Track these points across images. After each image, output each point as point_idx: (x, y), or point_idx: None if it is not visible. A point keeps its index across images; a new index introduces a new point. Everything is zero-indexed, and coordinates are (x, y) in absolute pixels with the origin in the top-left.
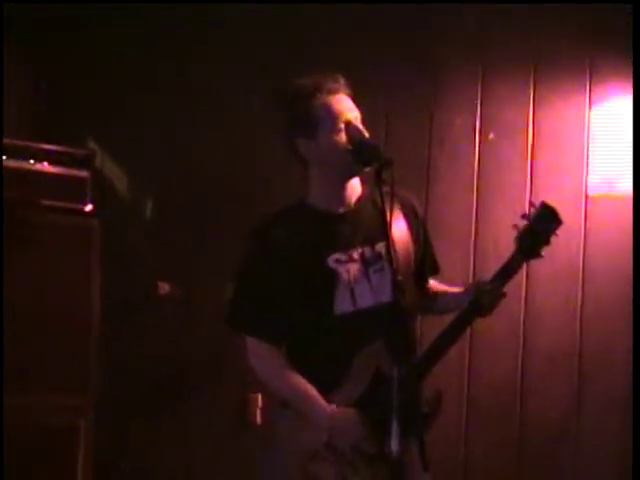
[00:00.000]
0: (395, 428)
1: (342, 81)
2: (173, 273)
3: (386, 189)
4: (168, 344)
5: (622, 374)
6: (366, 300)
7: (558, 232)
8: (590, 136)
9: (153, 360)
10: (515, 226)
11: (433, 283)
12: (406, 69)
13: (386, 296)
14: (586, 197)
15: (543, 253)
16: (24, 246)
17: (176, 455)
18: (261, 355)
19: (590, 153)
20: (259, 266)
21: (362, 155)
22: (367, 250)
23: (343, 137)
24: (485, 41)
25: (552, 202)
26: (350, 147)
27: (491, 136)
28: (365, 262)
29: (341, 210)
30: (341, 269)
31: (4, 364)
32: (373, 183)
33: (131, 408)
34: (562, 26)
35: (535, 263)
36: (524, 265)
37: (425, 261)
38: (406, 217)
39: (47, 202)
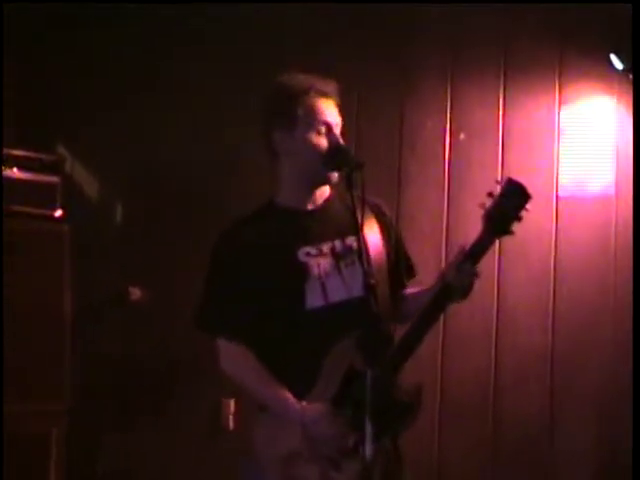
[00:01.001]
0: (370, 431)
1: (334, 87)
2: (144, 278)
3: (356, 193)
4: (141, 350)
5: (595, 371)
6: (338, 294)
7: (530, 230)
8: (560, 136)
9: (126, 366)
10: (482, 205)
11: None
12: (375, 72)
13: (358, 290)
14: (557, 197)
15: (514, 229)
16: None
17: (149, 460)
18: (232, 357)
19: (560, 153)
20: (227, 267)
21: (333, 160)
22: (337, 244)
23: (320, 140)
24: (454, 42)
25: None
26: (323, 151)
27: (462, 136)
28: (336, 256)
29: (310, 207)
30: (312, 262)
31: None
32: (344, 187)
33: (103, 415)
34: (531, 27)
35: (507, 263)
36: (494, 244)
37: (400, 264)
38: (377, 219)
39: (17, 208)
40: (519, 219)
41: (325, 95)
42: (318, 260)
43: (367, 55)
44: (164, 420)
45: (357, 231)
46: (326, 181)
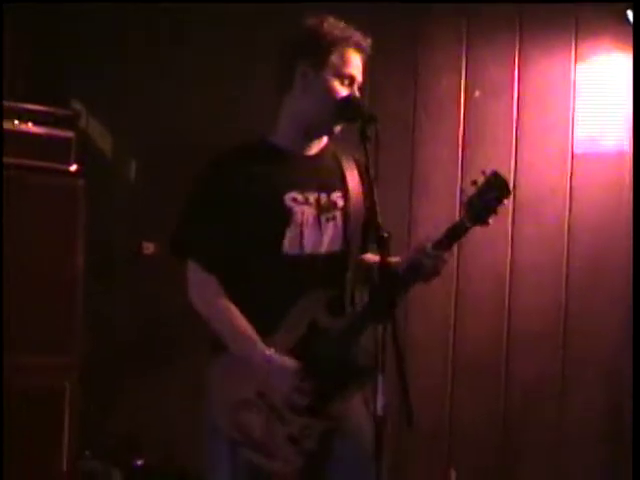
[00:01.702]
0: (381, 386)
1: (369, 44)
2: (158, 233)
3: (369, 146)
4: (153, 304)
5: (607, 333)
6: (314, 246)
7: (544, 188)
8: (576, 93)
9: (138, 320)
10: (462, 191)
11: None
12: (390, 30)
13: (334, 245)
14: (572, 154)
15: (490, 221)
16: (8, 207)
17: (162, 414)
18: (202, 285)
19: (576, 110)
20: (211, 194)
21: (346, 109)
22: (323, 196)
23: (341, 89)
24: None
25: (538, 159)
26: (338, 99)
27: (477, 94)
28: (319, 208)
29: (304, 152)
30: (296, 209)
31: None
32: (358, 140)
33: (116, 369)
34: None
35: (521, 220)
36: (470, 231)
37: (370, 231)
38: (360, 175)
39: (32, 162)
40: (496, 212)
41: (360, 49)
42: (303, 208)
43: (381, 13)
44: (177, 374)
45: (371, 191)
46: (329, 133)
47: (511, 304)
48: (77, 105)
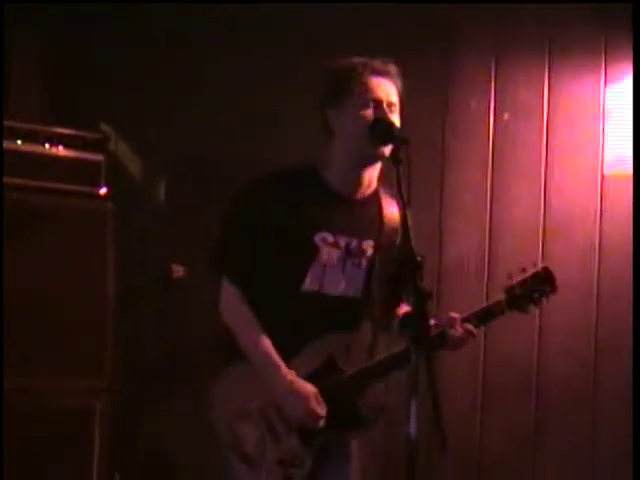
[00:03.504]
0: (414, 410)
1: (392, 68)
2: (188, 256)
3: (402, 170)
4: (182, 327)
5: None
6: (333, 287)
7: (574, 209)
8: (605, 115)
9: (167, 342)
10: (509, 276)
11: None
12: (419, 52)
13: (353, 290)
14: (602, 176)
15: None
16: (39, 230)
17: (192, 437)
18: (232, 299)
19: (605, 132)
20: (253, 217)
21: (377, 132)
22: (354, 242)
23: (369, 114)
24: (499, 22)
25: (568, 181)
26: (369, 124)
27: (506, 116)
28: (348, 252)
29: (352, 196)
30: (324, 249)
31: (18, 348)
32: (391, 163)
33: (146, 391)
34: (576, 5)
35: (552, 241)
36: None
37: (403, 280)
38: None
39: (62, 186)
40: (538, 304)
41: (380, 73)
42: (330, 249)
43: (411, 35)
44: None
45: (405, 224)
46: (376, 158)
47: (542, 322)
48: (106, 128)
